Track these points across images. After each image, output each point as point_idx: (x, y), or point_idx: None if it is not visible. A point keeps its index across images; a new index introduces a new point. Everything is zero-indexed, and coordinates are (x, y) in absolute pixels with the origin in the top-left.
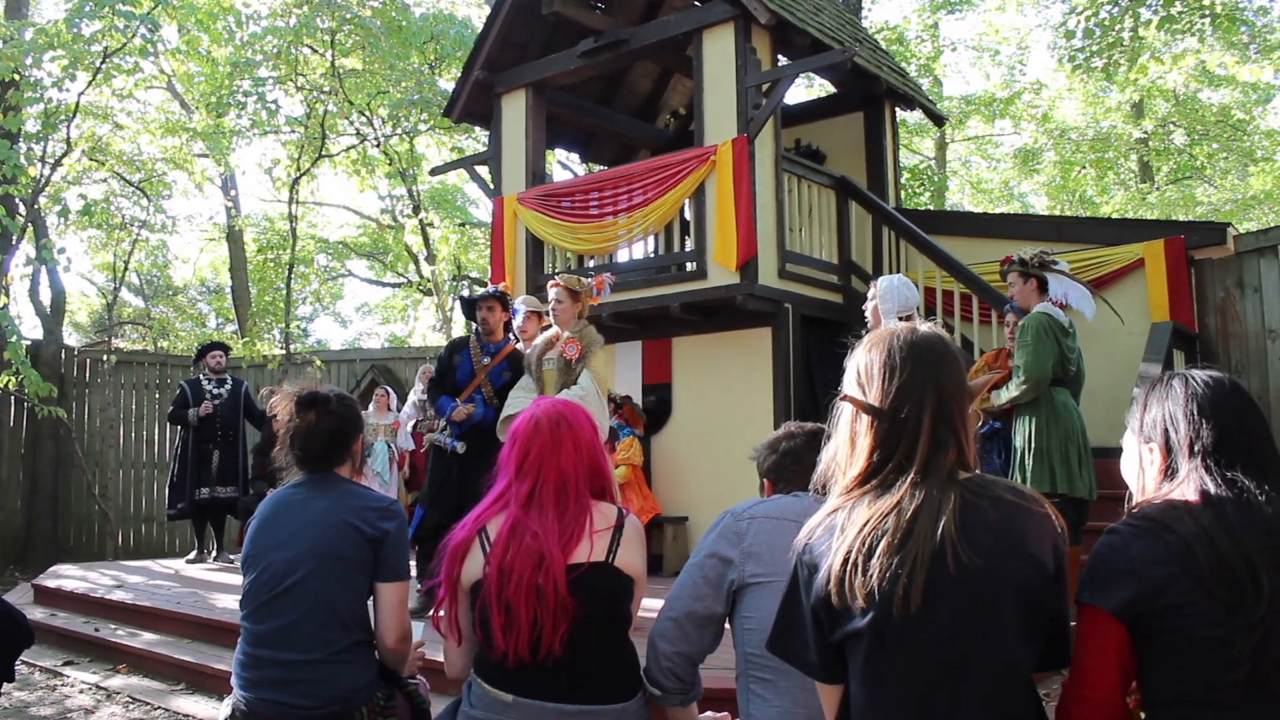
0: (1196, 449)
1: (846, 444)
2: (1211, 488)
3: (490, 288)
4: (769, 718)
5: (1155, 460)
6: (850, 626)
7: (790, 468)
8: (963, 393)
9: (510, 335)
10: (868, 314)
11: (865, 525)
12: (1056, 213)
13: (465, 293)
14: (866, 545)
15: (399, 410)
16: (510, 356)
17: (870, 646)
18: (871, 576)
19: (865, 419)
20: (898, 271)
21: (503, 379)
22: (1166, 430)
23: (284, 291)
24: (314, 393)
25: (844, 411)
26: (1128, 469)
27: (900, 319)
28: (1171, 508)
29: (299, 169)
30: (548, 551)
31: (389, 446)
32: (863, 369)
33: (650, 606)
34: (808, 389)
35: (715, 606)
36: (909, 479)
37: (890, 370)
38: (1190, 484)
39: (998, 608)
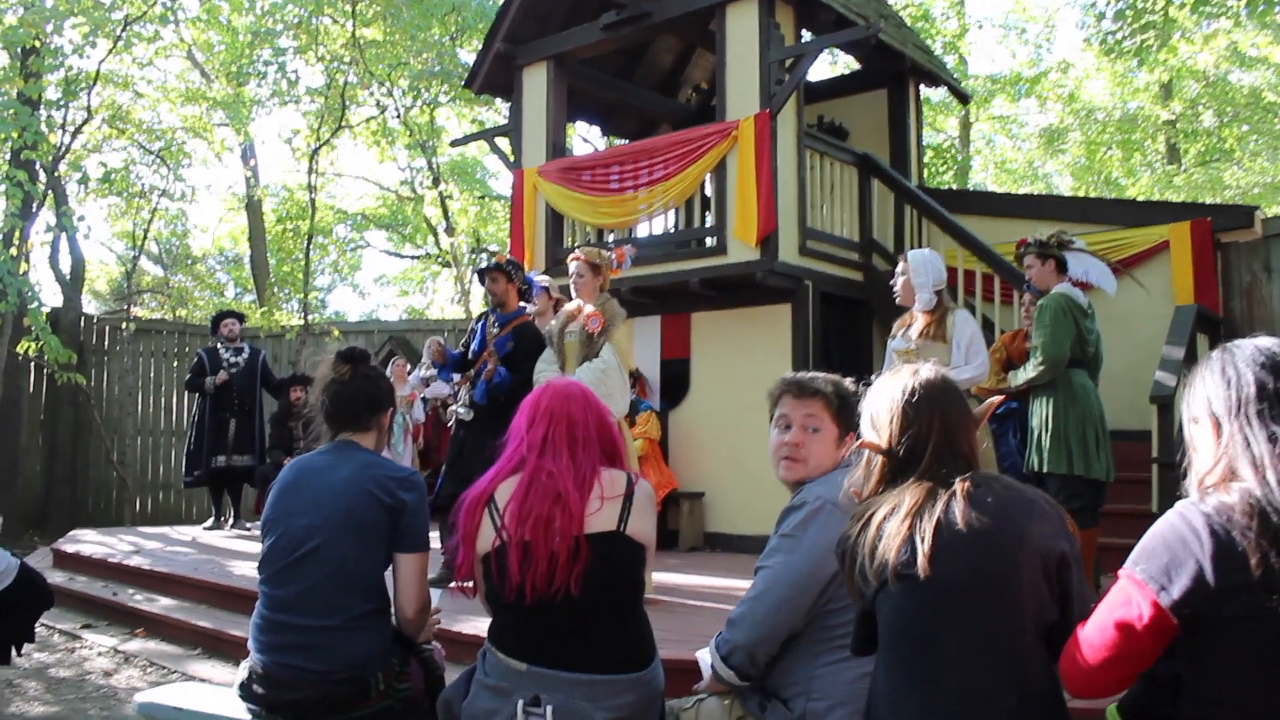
0: (1240, 408)
1: (864, 472)
2: (1256, 450)
3: (498, 260)
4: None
5: (1206, 435)
6: (877, 595)
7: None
8: (968, 421)
9: (523, 307)
10: (897, 288)
11: (882, 512)
12: (1081, 194)
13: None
14: (884, 525)
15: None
16: (516, 329)
17: (890, 610)
18: (889, 549)
19: (878, 456)
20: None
21: (505, 349)
22: (1209, 401)
23: (302, 262)
24: (354, 349)
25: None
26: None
27: (935, 292)
28: (1242, 498)
29: (319, 139)
30: (564, 489)
31: (404, 418)
32: (875, 413)
33: (672, 584)
34: (826, 366)
35: (811, 601)
36: (915, 481)
37: (898, 416)
38: (1237, 450)
39: (1006, 568)
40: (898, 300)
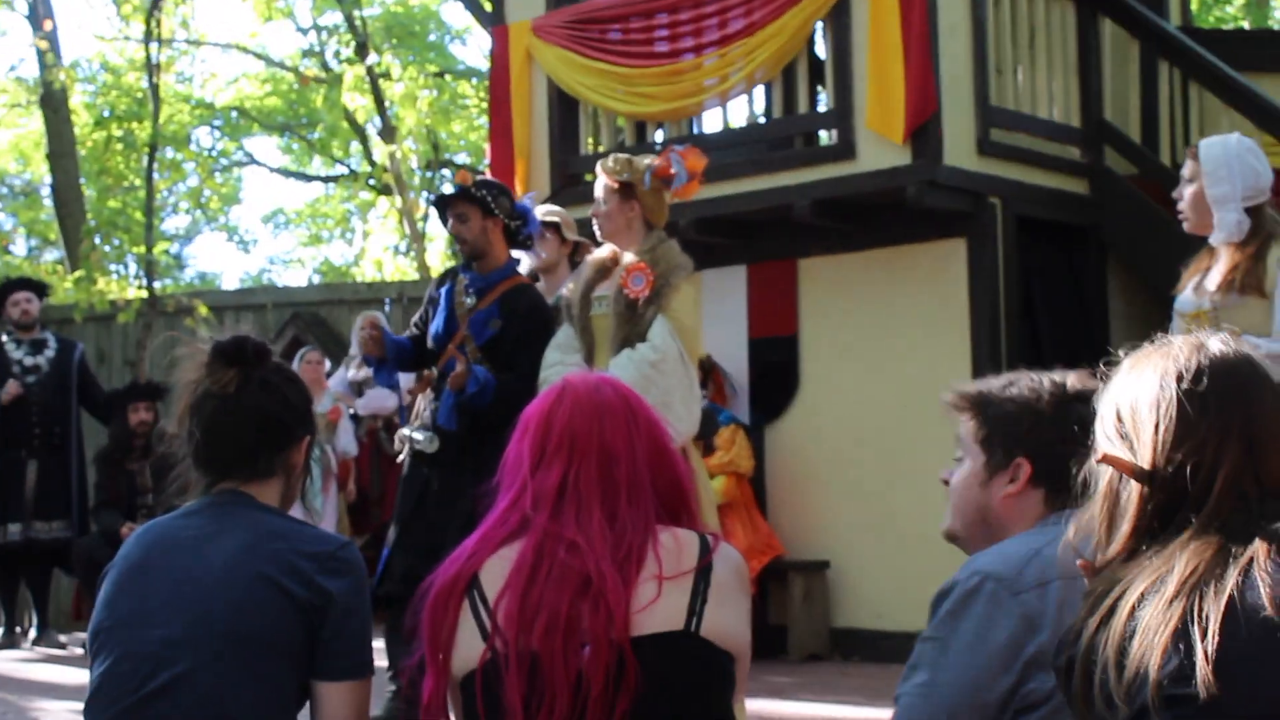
0: None
1: (1105, 510)
2: None
3: (463, 180)
4: None
5: None
6: None
7: (1082, 452)
8: None
9: (515, 260)
10: (1183, 206)
11: (1138, 588)
12: None
13: (447, 188)
14: (1139, 612)
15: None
16: (504, 296)
17: None
18: (1149, 653)
19: (1133, 482)
20: (1189, 136)
21: (488, 332)
22: None
23: (141, 192)
24: (244, 339)
25: (1101, 469)
26: None
27: (1246, 209)
28: None
29: None
30: (595, 569)
31: (322, 450)
32: (1127, 411)
33: (781, 717)
34: (1028, 339)
35: None
36: (1194, 532)
37: (1171, 417)
38: None
39: None
40: (1186, 226)
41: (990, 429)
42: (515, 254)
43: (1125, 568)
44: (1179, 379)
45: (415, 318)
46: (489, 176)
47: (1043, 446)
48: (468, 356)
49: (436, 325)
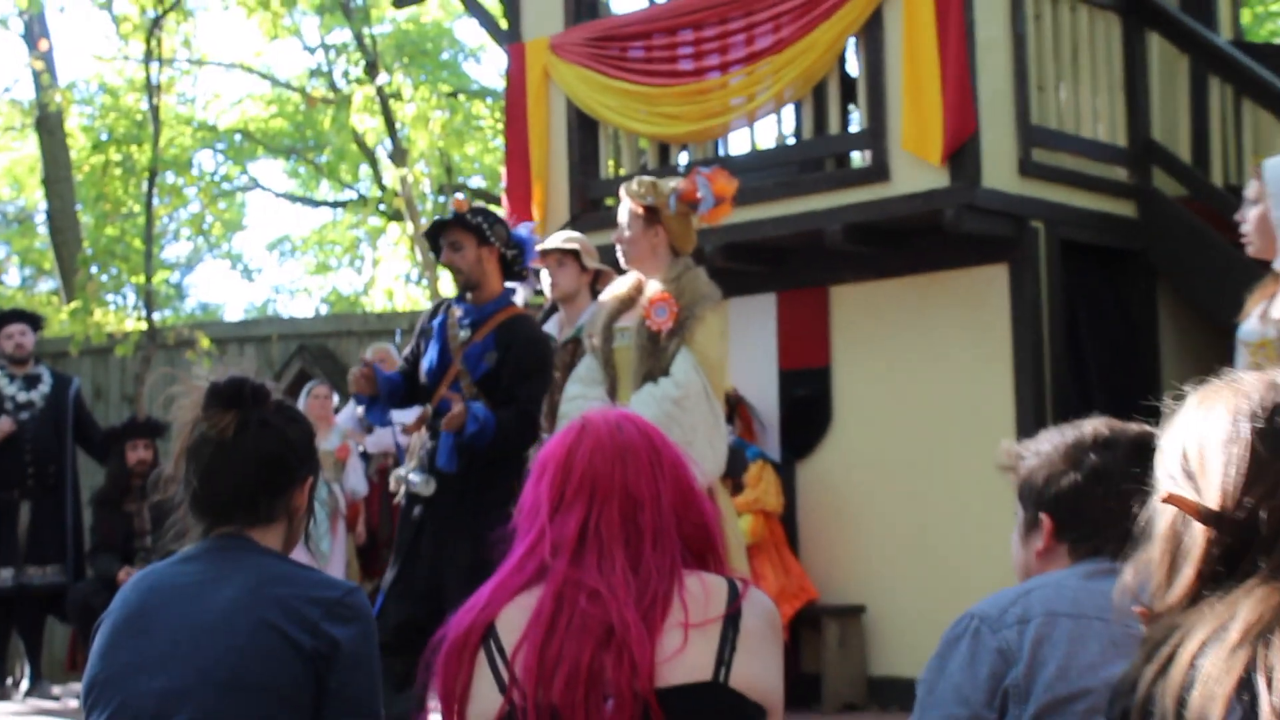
0: None
1: (1165, 553)
2: None
3: (458, 207)
4: None
5: None
6: None
7: (1098, 502)
8: None
9: (510, 290)
10: (1248, 227)
11: (1198, 637)
12: None
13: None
14: (1199, 661)
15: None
16: (500, 328)
17: None
18: (1210, 703)
19: (1197, 525)
20: (1241, 156)
21: (483, 366)
22: None
23: (140, 219)
24: (241, 381)
25: (1163, 509)
26: None
27: None
28: None
29: (162, 4)
30: (619, 619)
31: (330, 490)
32: (1194, 450)
33: None
34: (1075, 369)
35: None
36: (1260, 579)
37: (1243, 457)
38: None
39: None
40: (1249, 250)
41: (1019, 486)
42: (510, 285)
43: (1185, 615)
44: (1252, 417)
45: (406, 351)
46: (481, 206)
47: (1060, 502)
48: (463, 393)
49: (430, 360)
